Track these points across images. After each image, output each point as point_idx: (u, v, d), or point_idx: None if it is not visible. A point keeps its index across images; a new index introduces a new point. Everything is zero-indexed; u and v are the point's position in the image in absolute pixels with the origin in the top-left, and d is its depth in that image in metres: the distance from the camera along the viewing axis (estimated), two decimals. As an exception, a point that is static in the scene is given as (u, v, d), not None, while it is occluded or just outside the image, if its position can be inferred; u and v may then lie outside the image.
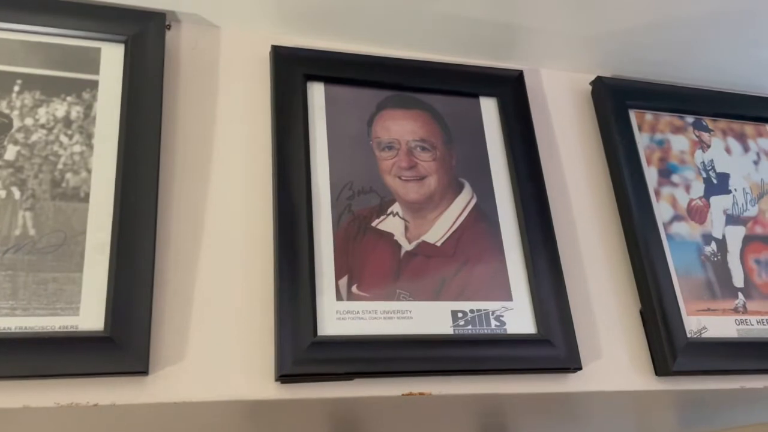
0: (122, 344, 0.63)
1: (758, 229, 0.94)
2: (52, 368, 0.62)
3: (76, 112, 0.73)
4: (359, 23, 0.86)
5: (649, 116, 0.97)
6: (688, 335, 0.82)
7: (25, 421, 0.68)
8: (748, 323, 0.86)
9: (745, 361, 0.83)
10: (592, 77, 0.97)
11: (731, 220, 0.94)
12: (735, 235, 0.92)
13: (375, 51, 0.89)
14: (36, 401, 0.61)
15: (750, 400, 0.94)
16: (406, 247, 0.79)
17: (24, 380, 0.62)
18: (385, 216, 0.80)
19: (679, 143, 0.96)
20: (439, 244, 0.80)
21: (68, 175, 0.70)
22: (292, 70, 0.83)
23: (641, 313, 0.84)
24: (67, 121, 0.72)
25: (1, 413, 0.62)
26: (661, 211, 0.90)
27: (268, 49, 0.84)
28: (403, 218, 0.80)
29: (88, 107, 0.73)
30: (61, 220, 0.68)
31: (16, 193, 0.68)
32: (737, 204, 0.95)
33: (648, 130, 0.96)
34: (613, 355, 0.81)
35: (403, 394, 0.71)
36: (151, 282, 0.67)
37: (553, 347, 0.76)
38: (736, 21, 0.91)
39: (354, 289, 0.75)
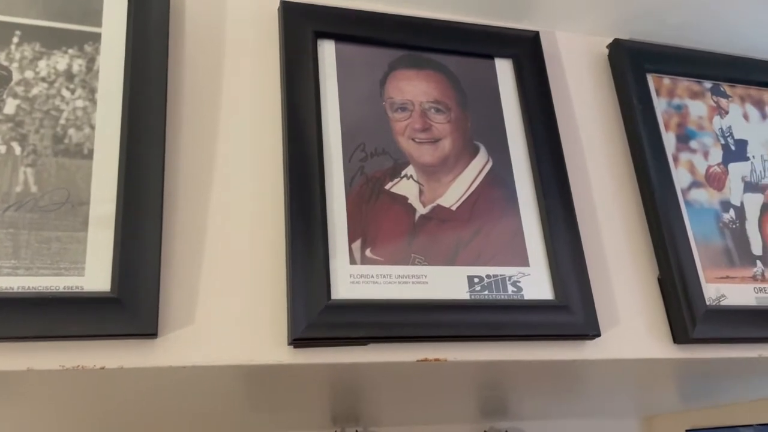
0: (130, 306, 0.61)
1: (776, 197, 0.92)
2: (57, 329, 0.59)
3: (78, 65, 0.69)
4: (371, -21, 0.83)
5: (666, 81, 0.94)
6: (707, 303, 0.80)
7: (29, 384, 0.65)
8: (767, 291, 0.85)
9: (764, 329, 0.81)
10: (609, 40, 0.94)
11: (749, 187, 0.91)
12: (753, 203, 0.90)
13: (387, 9, 0.86)
14: (41, 364, 0.59)
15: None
16: (421, 210, 0.76)
17: (28, 342, 0.59)
18: (398, 179, 0.77)
19: (697, 109, 0.94)
20: (454, 208, 0.78)
21: (71, 131, 0.67)
22: (302, 27, 0.79)
23: (659, 280, 0.82)
24: (68, 75, 0.69)
25: (5, 376, 0.60)
26: (680, 177, 0.87)
27: (277, 4, 0.80)
28: (417, 181, 0.78)
29: (91, 60, 0.70)
30: (64, 177, 0.65)
31: (17, 149, 0.65)
32: (755, 171, 0.93)
33: (666, 94, 0.93)
34: (631, 322, 0.79)
35: (418, 360, 0.69)
36: (160, 242, 0.64)
37: (571, 313, 0.74)
38: (760, -18, 0.88)
39: (368, 252, 0.72)
